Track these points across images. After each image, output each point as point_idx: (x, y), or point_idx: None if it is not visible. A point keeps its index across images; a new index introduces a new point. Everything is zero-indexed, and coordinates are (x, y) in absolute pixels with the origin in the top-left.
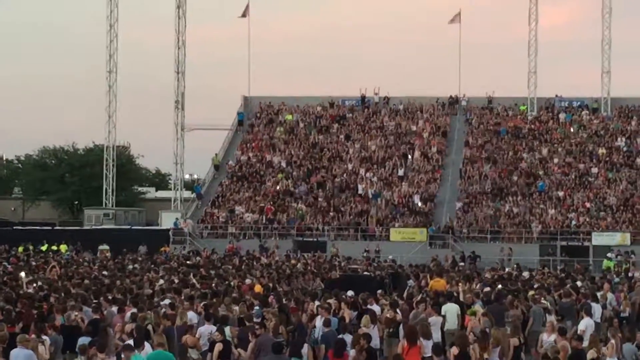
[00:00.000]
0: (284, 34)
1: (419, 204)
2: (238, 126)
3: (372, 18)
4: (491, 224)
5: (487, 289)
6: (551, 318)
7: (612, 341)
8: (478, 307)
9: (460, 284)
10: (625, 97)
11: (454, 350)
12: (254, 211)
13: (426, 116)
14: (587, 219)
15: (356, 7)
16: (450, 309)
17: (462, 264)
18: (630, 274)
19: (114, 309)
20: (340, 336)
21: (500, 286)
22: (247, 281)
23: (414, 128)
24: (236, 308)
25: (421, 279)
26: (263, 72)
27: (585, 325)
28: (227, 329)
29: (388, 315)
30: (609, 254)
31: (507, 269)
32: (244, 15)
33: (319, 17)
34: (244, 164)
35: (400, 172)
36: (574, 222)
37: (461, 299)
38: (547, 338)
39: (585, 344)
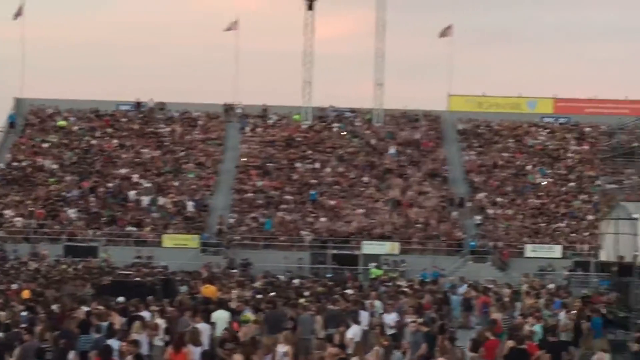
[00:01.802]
0: (60, 37)
1: (193, 210)
2: (9, 128)
3: (151, 22)
4: (264, 231)
5: (259, 296)
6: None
7: (376, 348)
8: (249, 314)
9: (232, 291)
10: (397, 109)
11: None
12: (24, 215)
13: (201, 123)
14: (358, 228)
15: (134, 11)
16: (221, 316)
17: (234, 270)
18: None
19: None
20: (107, 342)
21: (272, 294)
22: (14, 286)
23: (189, 135)
24: (3, 314)
25: (193, 286)
26: (37, 74)
27: (353, 332)
28: None
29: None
30: (375, 263)
31: (279, 277)
32: (17, 16)
33: (97, 21)
34: (15, 167)
35: (175, 179)
36: (344, 231)
37: (232, 305)
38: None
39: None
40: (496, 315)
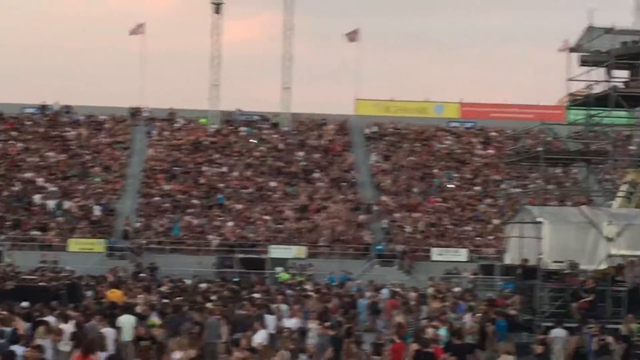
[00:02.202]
0: None
1: (99, 214)
2: None
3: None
4: (170, 235)
5: (165, 300)
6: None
7: (282, 352)
8: (155, 319)
9: (138, 296)
10: (304, 113)
11: None
12: None
13: (108, 127)
14: (265, 232)
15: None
16: (126, 321)
17: (141, 275)
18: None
19: None
20: (11, 347)
21: (178, 298)
22: None
23: (95, 138)
24: None
25: (98, 290)
26: None
27: (260, 337)
28: None
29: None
30: (282, 267)
31: (185, 281)
32: None
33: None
34: None
35: (81, 183)
36: (252, 235)
37: (139, 310)
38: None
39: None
40: (399, 318)
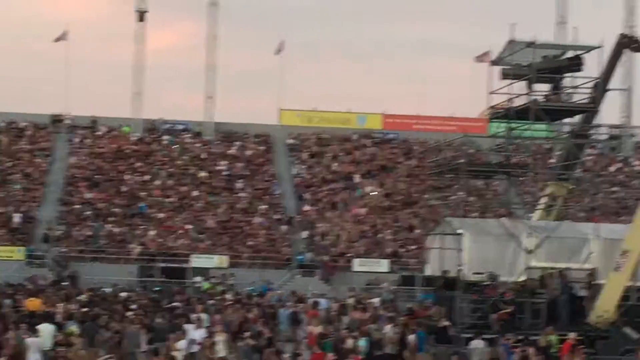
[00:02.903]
0: None
1: (18, 222)
2: None
3: None
4: (92, 244)
5: (84, 309)
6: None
7: None
8: (73, 327)
9: (57, 304)
10: (227, 122)
11: None
12: None
13: (29, 134)
14: (187, 242)
15: None
16: (45, 329)
17: (65, 283)
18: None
19: None
20: None
21: (97, 307)
22: None
23: (15, 145)
24: None
25: (17, 299)
26: None
27: (181, 345)
28: None
29: None
30: (203, 277)
31: (105, 290)
32: None
33: None
34: None
35: (0, 190)
36: (173, 244)
37: (58, 319)
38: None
39: None
40: (312, 328)
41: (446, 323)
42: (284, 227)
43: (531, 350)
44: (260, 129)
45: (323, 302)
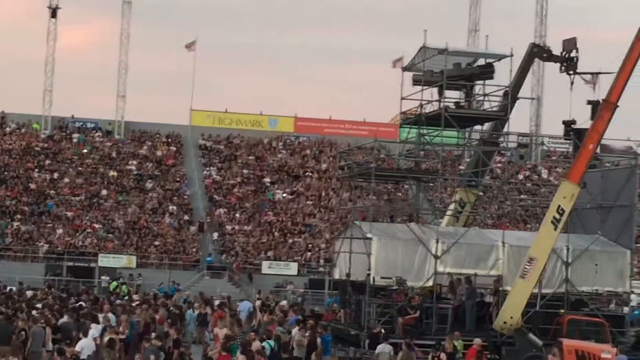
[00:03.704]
0: None
1: None
2: None
3: None
4: None
5: None
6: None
7: None
8: None
9: None
10: (138, 122)
11: None
12: None
13: None
14: (95, 241)
15: None
16: None
17: None
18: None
19: None
20: None
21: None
22: None
23: None
24: None
25: None
26: None
27: (82, 346)
28: None
29: None
30: (109, 277)
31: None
32: None
33: None
34: None
35: None
36: (81, 243)
37: None
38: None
39: None
40: (218, 330)
41: (353, 327)
42: (193, 228)
43: (444, 356)
44: (171, 129)
45: (245, 304)
